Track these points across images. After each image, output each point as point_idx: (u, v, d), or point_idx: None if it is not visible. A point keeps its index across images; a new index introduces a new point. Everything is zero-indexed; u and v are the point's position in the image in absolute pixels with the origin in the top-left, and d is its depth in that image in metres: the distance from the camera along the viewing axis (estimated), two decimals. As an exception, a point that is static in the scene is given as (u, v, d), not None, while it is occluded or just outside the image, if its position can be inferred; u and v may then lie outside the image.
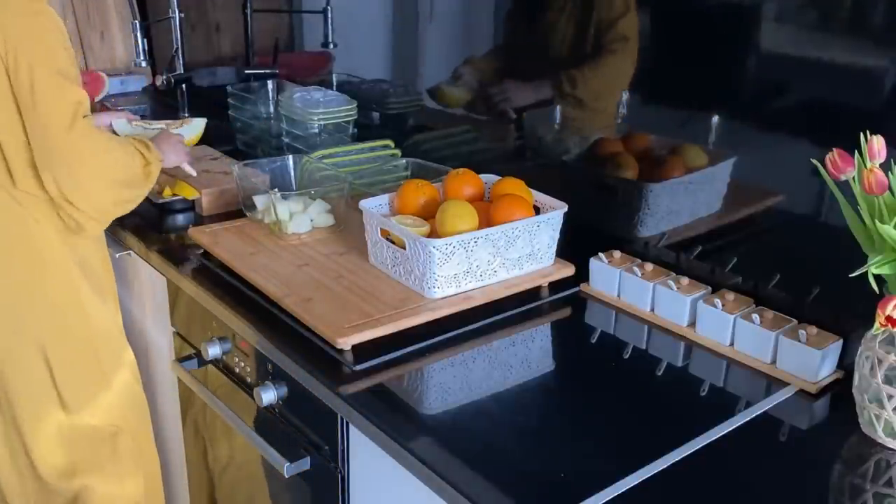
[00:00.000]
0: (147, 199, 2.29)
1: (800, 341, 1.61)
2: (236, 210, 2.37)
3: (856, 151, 1.36)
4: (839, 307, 1.65)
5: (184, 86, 3.19)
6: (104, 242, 2.23)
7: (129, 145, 2.04)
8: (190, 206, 2.44)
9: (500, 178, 2.07)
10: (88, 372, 2.20)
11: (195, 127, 2.45)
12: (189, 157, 2.32)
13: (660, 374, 1.69)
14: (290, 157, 2.43)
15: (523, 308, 1.91)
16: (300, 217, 2.14)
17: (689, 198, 1.97)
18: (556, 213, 1.97)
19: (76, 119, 1.93)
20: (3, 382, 2.14)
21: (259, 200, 2.19)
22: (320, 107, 2.60)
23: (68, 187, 1.95)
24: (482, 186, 2.07)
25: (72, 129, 1.92)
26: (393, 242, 1.92)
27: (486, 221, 1.90)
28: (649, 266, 1.92)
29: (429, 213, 1.97)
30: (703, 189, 1.93)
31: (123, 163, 2.01)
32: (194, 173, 2.38)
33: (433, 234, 1.89)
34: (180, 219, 2.38)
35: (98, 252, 2.18)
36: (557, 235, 1.99)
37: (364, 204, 2.00)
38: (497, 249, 1.89)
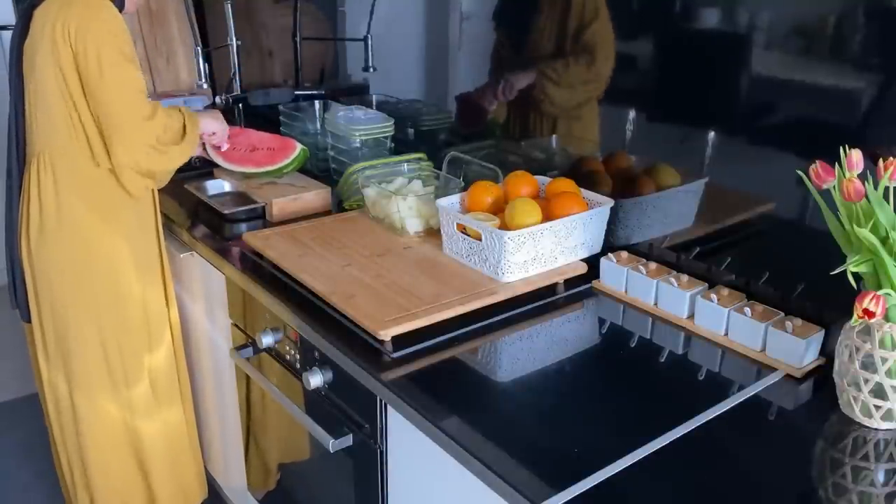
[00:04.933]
0: (217, 212, 2.35)
1: (786, 331, 1.62)
2: (301, 217, 2.42)
3: (836, 163, 1.37)
4: (821, 301, 1.66)
5: (240, 105, 3.22)
6: (153, 233, 2.30)
7: (172, 115, 2.17)
8: (259, 215, 2.48)
9: (552, 178, 2.14)
10: (134, 341, 2.28)
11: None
12: (225, 127, 2.46)
13: (662, 360, 1.70)
14: (405, 163, 2.49)
15: (543, 301, 1.93)
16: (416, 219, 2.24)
17: (658, 212, 2.03)
18: (604, 207, 2.03)
19: (138, 98, 2.06)
20: (60, 346, 2.21)
21: (389, 203, 2.24)
22: (361, 124, 2.61)
23: (139, 154, 2.09)
24: (537, 185, 2.13)
25: (134, 106, 2.05)
26: (468, 235, 1.97)
27: (545, 215, 1.96)
28: (653, 265, 1.94)
29: (494, 210, 2.05)
30: (679, 203, 1.97)
31: (170, 128, 2.16)
32: (225, 146, 2.51)
33: (502, 227, 1.94)
34: (243, 227, 2.40)
35: (141, 236, 2.27)
36: (605, 226, 2.05)
37: (441, 203, 2.06)
38: (559, 239, 1.96)
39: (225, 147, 2.52)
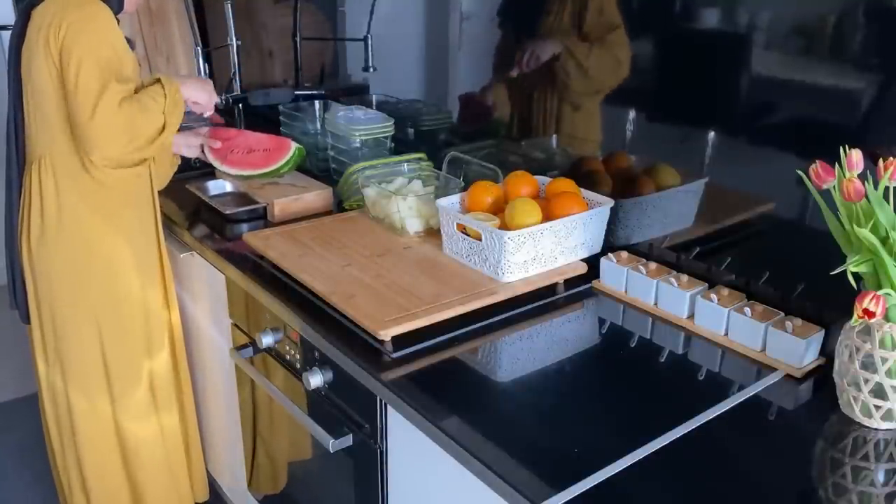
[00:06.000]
0: (218, 212, 2.36)
1: (786, 331, 1.62)
2: (302, 217, 2.42)
3: (836, 163, 1.37)
4: (821, 301, 1.66)
5: (240, 105, 3.22)
6: (153, 236, 2.29)
7: (151, 108, 2.11)
8: (260, 215, 2.48)
9: (552, 178, 2.14)
10: (133, 343, 2.27)
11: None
12: (211, 98, 2.40)
13: (662, 360, 1.70)
14: (405, 163, 2.48)
15: (543, 301, 1.93)
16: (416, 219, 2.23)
17: (658, 212, 2.03)
18: (604, 207, 2.04)
19: (106, 111, 2.01)
20: (59, 348, 2.21)
21: (390, 203, 2.24)
22: (361, 124, 2.61)
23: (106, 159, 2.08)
24: (537, 185, 2.14)
25: (94, 117, 2.00)
26: (468, 235, 1.97)
27: (545, 215, 1.97)
28: (653, 265, 1.94)
29: (494, 210, 2.05)
30: (679, 203, 1.97)
31: (147, 124, 2.09)
32: (217, 144, 2.51)
33: (502, 227, 1.94)
34: (244, 227, 2.40)
35: (142, 238, 2.25)
36: (605, 226, 2.05)
37: (441, 202, 2.06)
38: (559, 239, 1.96)
39: (217, 145, 2.51)
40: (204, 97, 2.35)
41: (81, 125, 1.99)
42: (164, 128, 2.12)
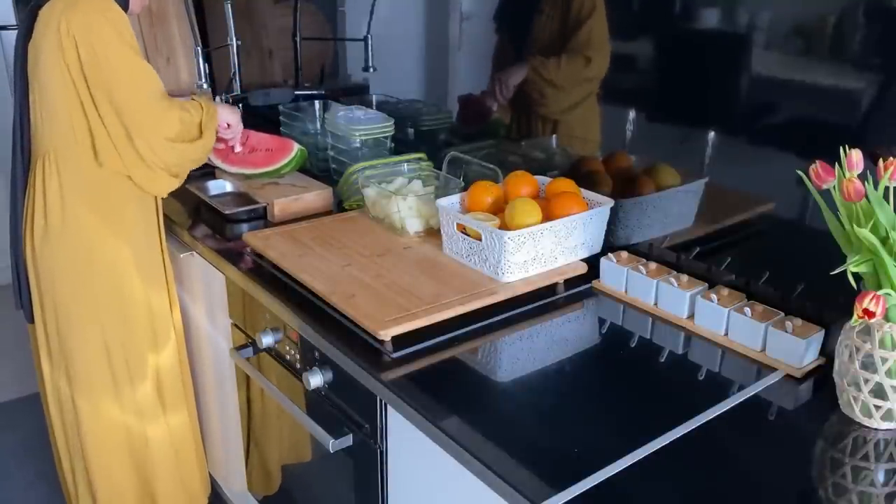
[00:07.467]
0: (218, 212, 2.37)
1: (786, 331, 1.62)
2: (302, 217, 2.42)
3: (836, 163, 1.37)
4: (821, 301, 1.66)
5: (240, 105, 3.22)
6: (155, 236, 2.29)
7: (188, 108, 2.18)
8: (260, 215, 2.48)
9: (552, 178, 2.14)
10: (138, 343, 2.27)
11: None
12: (240, 124, 2.48)
13: (662, 360, 1.70)
14: (405, 163, 2.48)
15: (543, 301, 1.92)
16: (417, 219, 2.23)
17: (658, 212, 2.03)
18: (604, 207, 2.03)
19: (154, 92, 2.08)
20: (63, 347, 2.21)
21: (390, 203, 2.23)
22: (361, 124, 2.61)
23: (159, 148, 2.10)
24: (537, 185, 2.13)
25: (151, 98, 2.06)
26: (468, 235, 1.97)
27: (545, 215, 1.96)
28: (653, 265, 1.94)
29: (494, 210, 2.05)
30: (679, 203, 1.96)
31: (187, 122, 2.16)
32: (239, 148, 2.55)
33: (502, 227, 1.94)
34: (244, 227, 2.39)
35: (144, 238, 2.26)
36: (605, 226, 2.05)
37: (441, 202, 2.06)
38: (559, 239, 1.96)
39: (238, 149, 2.53)
40: (234, 119, 2.42)
41: (133, 111, 2.04)
42: (200, 129, 2.19)
